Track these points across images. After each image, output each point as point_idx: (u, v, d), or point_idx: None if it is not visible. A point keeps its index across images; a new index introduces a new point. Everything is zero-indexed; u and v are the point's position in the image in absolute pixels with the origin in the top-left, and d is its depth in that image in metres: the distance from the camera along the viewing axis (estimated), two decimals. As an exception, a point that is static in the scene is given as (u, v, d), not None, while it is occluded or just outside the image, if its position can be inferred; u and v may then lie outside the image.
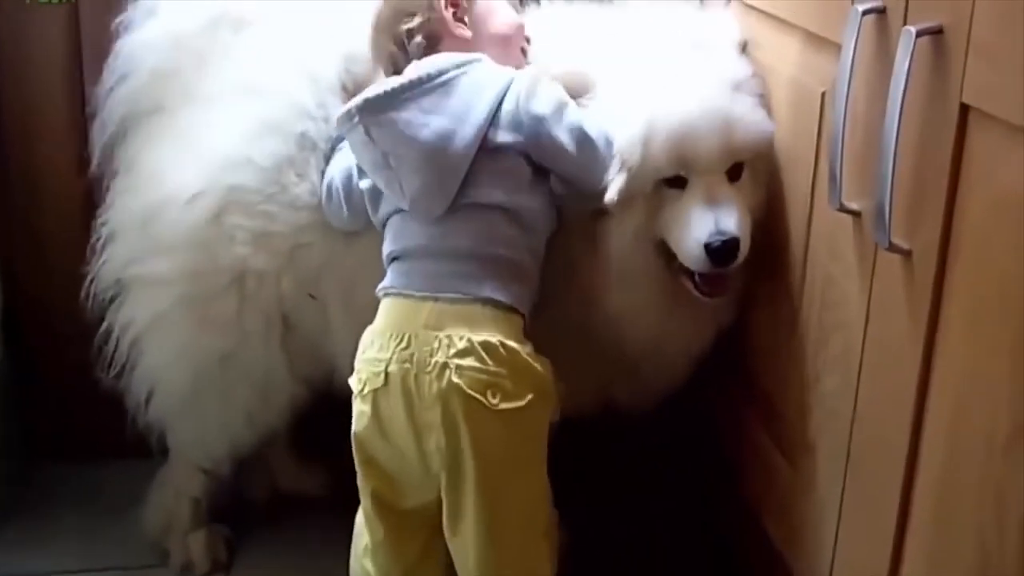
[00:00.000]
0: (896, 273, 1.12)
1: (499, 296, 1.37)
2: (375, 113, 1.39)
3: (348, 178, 1.51)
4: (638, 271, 1.47)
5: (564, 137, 1.40)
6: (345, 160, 1.52)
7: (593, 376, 1.58)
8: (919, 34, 1.03)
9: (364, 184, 1.47)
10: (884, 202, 1.07)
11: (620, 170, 1.41)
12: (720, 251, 1.39)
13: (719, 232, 1.39)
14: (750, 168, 1.45)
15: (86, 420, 1.92)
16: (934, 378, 1.08)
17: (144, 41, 1.61)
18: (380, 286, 1.43)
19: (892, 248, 1.09)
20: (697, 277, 1.44)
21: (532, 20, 1.58)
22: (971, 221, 1.01)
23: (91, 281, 1.62)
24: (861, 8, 1.14)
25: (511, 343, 1.36)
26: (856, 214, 1.21)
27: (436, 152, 1.37)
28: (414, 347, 1.34)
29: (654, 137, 1.40)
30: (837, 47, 1.20)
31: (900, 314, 1.12)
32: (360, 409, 1.40)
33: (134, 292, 1.62)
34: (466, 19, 1.51)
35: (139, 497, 1.78)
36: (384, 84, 1.41)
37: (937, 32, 1.03)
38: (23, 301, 1.95)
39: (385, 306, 1.41)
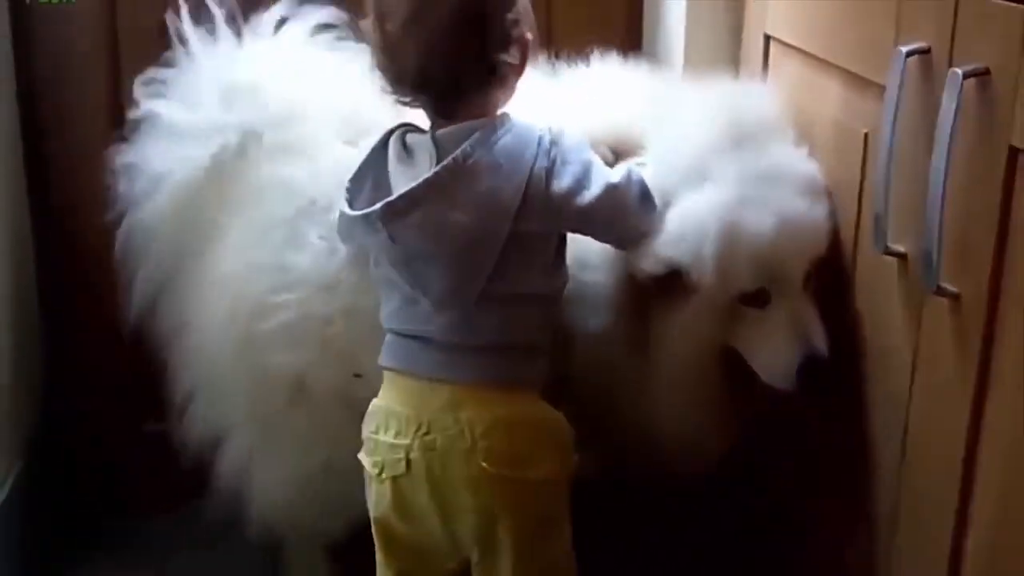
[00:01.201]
0: (944, 317, 1.10)
1: (518, 378, 1.33)
2: (399, 218, 1.28)
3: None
4: (695, 378, 1.39)
5: (592, 201, 1.29)
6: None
7: (610, 455, 1.53)
8: (966, 76, 1.02)
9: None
10: (932, 245, 1.05)
11: (680, 272, 1.32)
12: (813, 374, 1.33)
13: (811, 356, 1.33)
14: (818, 271, 1.38)
15: (131, 473, 1.92)
16: (985, 427, 1.05)
17: (154, 216, 1.58)
18: (384, 360, 1.37)
19: (940, 292, 1.07)
20: None
21: (576, 80, 1.52)
22: (1022, 264, 0.99)
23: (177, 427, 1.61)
24: (905, 49, 1.13)
25: (534, 414, 1.33)
26: (902, 257, 1.19)
27: (464, 250, 1.28)
28: (435, 433, 1.30)
29: (735, 254, 1.31)
30: (880, 88, 1.19)
31: (949, 360, 1.09)
32: (379, 491, 1.36)
33: (226, 440, 1.58)
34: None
35: (184, 547, 1.76)
36: (405, 184, 1.29)
37: (984, 74, 1.02)
38: (67, 353, 1.95)
39: (394, 382, 1.36)
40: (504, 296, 1.30)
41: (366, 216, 1.30)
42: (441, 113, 1.32)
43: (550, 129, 1.31)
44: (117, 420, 1.84)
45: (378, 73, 1.33)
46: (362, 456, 1.38)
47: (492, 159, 1.27)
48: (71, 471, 1.96)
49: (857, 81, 1.32)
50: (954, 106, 1.02)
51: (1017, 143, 0.98)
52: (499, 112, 1.32)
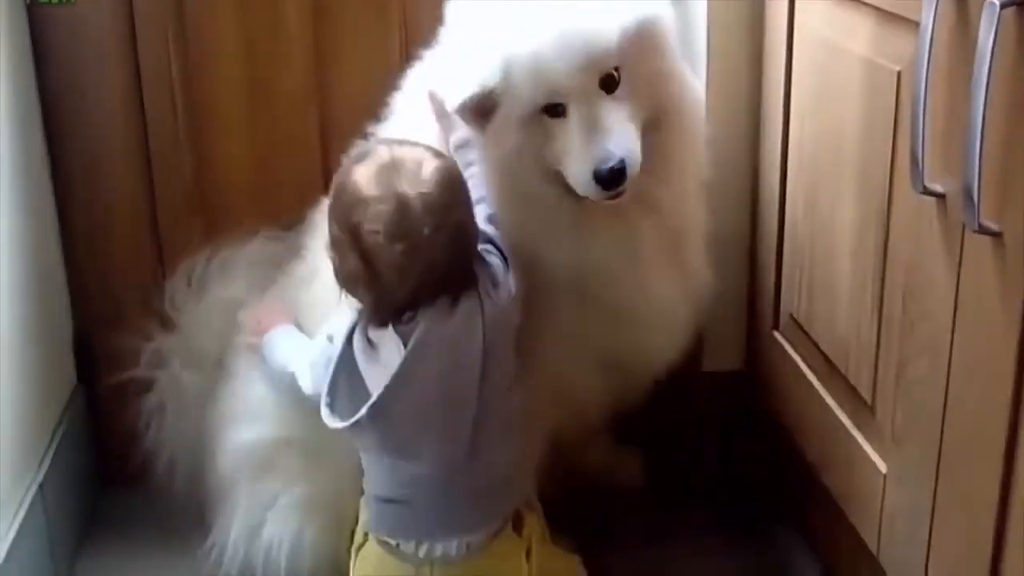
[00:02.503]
0: (986, 257, 1.07)
1: (500, 523, 1.41)
2: (384, 416, 1.33)
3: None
4: (534, 199, 1.42)
5: (502, 265, 1.39)
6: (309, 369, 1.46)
7: (592, 351, 1.54)
8: (1003, 6, 0.98)
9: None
10: (972, 182, 1.03)
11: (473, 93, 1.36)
12: (607, 179, 1.34)
13: (603, 158, 1.33)
14: (629, 71, 1.38)
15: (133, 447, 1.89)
16: (1031, 367, 1.03)
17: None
18: (367, 524, 1.43)
19: (982, 230, 1.05)
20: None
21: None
22: (1066, 200, 0.97)
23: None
24: (939, -17, 1.09)
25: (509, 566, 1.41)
26: (940, 196, 1.16)
27: (449, 415, 1.35)
28: None
29: (511, 72, 1.34)
30: (912, 24, 1.16)
31: (992, 300, 1.07)
32: None
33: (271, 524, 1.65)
34: None
35: (205, 522, 1.76)
36: (382, 380, 1.33)
37: (1022, 4, 0.98)
38: (95, 329, 1.96)
39: (375, 556, 1.40)
40: (484, 433, 1.36)
41: (355, 424, 1.33)
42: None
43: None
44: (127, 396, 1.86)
45: (352, 294, 1.37)
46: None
47: (450, 324, 1.32)
48: (102, 442, 1.99)
49: (889, 18, 1.28)
50: (992, 39, 0.99)
51: (1058, 74, 0.95)
52: None
